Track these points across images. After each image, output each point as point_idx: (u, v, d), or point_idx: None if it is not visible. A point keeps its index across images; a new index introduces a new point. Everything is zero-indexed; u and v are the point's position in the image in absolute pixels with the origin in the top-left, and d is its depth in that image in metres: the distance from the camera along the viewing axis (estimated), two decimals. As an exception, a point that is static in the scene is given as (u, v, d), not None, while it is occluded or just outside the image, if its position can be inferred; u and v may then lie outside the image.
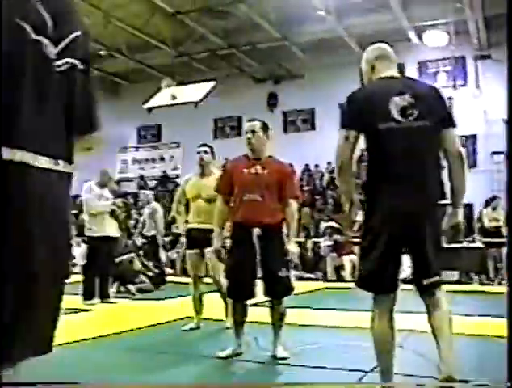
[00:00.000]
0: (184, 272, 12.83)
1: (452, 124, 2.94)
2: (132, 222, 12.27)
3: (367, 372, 3.58)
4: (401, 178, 2.82)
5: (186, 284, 8.13)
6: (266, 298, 4.20)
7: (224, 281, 4.88)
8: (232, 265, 4.23)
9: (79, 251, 13.86)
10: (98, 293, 7.36)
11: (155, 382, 3.54)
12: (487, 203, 13.01)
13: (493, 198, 12.63)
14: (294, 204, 4.19)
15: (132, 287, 9.03)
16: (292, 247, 4.14)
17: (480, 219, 12.68)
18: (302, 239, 13.22)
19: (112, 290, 8.95)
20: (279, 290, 4.12)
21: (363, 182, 2.97)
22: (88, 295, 7.24)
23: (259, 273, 4.06)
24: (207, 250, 5.03)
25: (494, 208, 12.04)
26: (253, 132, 4.25)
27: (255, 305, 4.57)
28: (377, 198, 2.86)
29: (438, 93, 2.97)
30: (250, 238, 4.07)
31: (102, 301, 7.30)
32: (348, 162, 2.85)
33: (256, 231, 4.07)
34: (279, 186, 4.13)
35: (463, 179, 2.95)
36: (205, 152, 5.42)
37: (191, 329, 5.27)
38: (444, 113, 2.93)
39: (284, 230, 4.18)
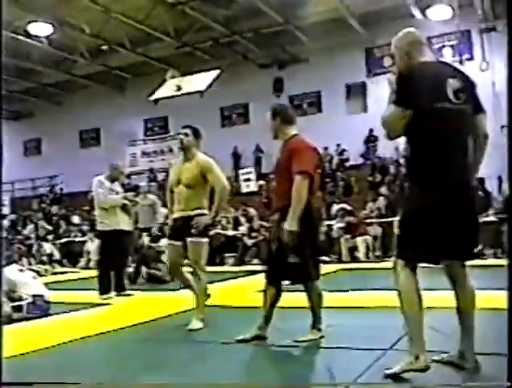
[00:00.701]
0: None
1: (484, 110, 3.15)
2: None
3: (386, 349, 3.58)
4: (451, 156, 2.95)
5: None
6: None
7: (203, 278, 4.92)
8: (267, 251, 4.39)
9: (93, 246, 13.99)
10: (113, 287, 7.39)
11: (172, 372, 3.56)
12: (500, 178, 12.94)
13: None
14: (297, 181, 3.90)
15: (144, 271, 9.14)
16: (286, 225, 3.89)
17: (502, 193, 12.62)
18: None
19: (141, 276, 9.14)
20: (289, 276, 4.07)
21: (408, 156, 3.13)
22: (104, 289, 7.27)
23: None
24: (189, 240, 4.87)
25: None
26: (269, 122, 4.28)
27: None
28: (428, 173, 2.93)
29: (471, 80, 3.12)
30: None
31: (119, 294, 7.34)
32: (397, 134, 3.01)
33: (275, 216, 4.13)
34: (288, 168, 4.00)
35: (482, 161, 3.18)
36: (185, 134, 4.98)
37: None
38: (477, 99, 3.11)
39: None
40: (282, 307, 4.39)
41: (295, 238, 3.88)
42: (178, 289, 6.93)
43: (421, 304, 2.97)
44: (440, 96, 2.93)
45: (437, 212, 2.89)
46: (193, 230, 4.84)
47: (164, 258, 8.62)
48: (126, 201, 7.48)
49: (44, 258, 15.02)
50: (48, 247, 15.61)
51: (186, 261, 5.06)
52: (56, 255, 15.57)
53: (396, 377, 2.91)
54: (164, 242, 5.21)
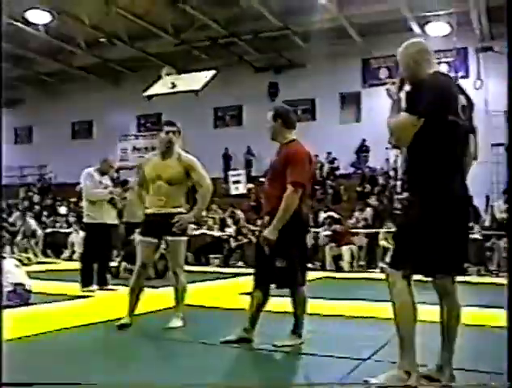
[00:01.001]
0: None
1: (475, 132, 3.18)
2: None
3: (365, 359, 3.60)
4: (457, 170, 3.00)
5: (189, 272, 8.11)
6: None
7: (183, 277, 4.87)
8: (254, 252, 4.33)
9: (78, 238, 13.94)
10: (96, 280, 7.36)
11: (143, 368, 3.55)
12: (487, 197, 13.06)
13: (506, 190, 12.59)
14: (288, 190, 3.89)
15: (123, 267, 9.10)
16: (266, 231, 3.89)
17: (489, 211, 12.73)
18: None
19: (121, 268, 9.06)
20: (274, 280, 4.06)
21: (412, 166, 3.08)
22: (86, 282, 7.25)
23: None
24: (170, 238, 4.81)
25: (506, 201, 12.01)
26: (268, 122, 4.25)
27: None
28: (435, 185, 2.93)
29: (471, 100, 3.13)
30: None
31: (101, 288, 7.31)
32: (405, 143, 2.98)
33: (265, 219, 4.08)
34: (282, 173, 3.99)
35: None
36: (173, 133, 4.91)
37: (122, 325, 4.69)
38: (472, 119, 3.13)
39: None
40: (265, 311, 4.41)
41: (283, 247, 3.89)
42: (160, 287, 6.93)
43: (416, 317, 2.95)
44: (453, 110, 2.94)
45: (440, 225, 2.89)
46: (175, 229, 4.78)
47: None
48: (113, 195, 7.45)
49: (26, 243, 14.89)
50: (33, 223, 15.48)
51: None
52: (39, 233, 15.42)
53: None
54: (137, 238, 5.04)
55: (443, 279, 3.06)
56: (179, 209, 4.87)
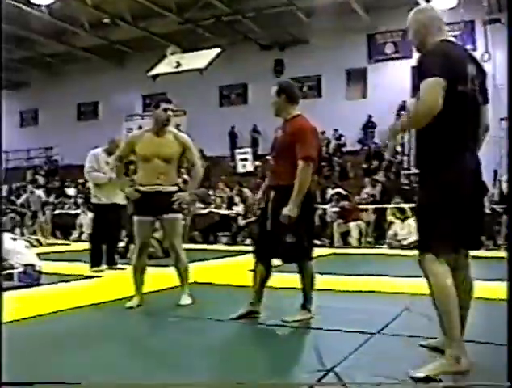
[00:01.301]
0: (191, 240, 12.93)
1: (489, 102, 3.07)
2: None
3: (374, 333, 3.61)
4: (472, 142, 2.91)
5: (191, 250, 8.25)
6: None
7: (183, 255, 4.89)
8: (255, 227, 4.32)
9: (86, 220, 14.00)
10: (105, 260, 7.41)
11: (157, 345, 3.59)
12: (495, 171, 13.02)
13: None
14: (302, 166, 3.91)
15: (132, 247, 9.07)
16: (286, 209, 3.89)
17: (497, 185, 12.71)
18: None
19: (130, 253, 9.04)
20: (283, 255, 4.07)
21: (422, 142, 2.94)
22: (96, 262, 7.30)
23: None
24: (168, 216, 4.80)
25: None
26: (271, 98, 4.24)
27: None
28: (454, 160, 2.82)
29: (483, 69, 3.04)
30: (268, 202, 4.12)
31: (110, 268, 7.36)
32: (440, 106, 2.70)
33: (272, 194, 4.10)
34: (290, 148, 3.99)
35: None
36: (172, 110, 4.90)
37: (131, 307, 4.73)
38: (485, 89, 3.04)
39: None
40: (273, 287, 4.43)
41: (293, 222, 3.89)
42: (169, 266, 6.96)
43: (457, 304, 2.81)
44: (463, 79, 2.82)
45: (464, 200, 2.81)
46: (175, 206, 4.79)
47: (156, 234, 8.54)
48: (112, 178, 7.32)
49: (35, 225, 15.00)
50: (40, 192, 15.54)
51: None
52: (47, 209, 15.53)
53: (428, 380, 2.70)
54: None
55: (457, 255, 2.97)
56: (175, 187, 4.89)
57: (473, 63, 2.95)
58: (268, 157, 4.24)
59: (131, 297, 4.86)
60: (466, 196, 2.83)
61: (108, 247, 7.46)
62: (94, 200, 7.49)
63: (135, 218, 4.86)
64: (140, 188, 4.82)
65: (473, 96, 2.89)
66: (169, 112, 4.86)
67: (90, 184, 7.60)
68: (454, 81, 2.77)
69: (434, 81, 2.71)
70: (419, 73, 2.82)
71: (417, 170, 3.07)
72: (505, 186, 12.09)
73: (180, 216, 4.96)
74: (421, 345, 3.22)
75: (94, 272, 7.13)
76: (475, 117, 2.94)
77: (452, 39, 3.02)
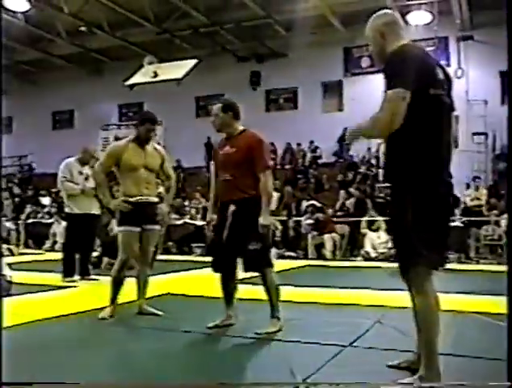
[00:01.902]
0: (166, 250, 12.85)
1: (454, 108, 2.93)
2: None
3: (345, 346, 3.63)
4: (447, 148, 2.78)
5: (169, 261, 8.20)
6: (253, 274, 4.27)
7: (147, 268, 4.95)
8: (211, 240, 4.49)
9: (59, 229, 13.86)
10: (78, 270, 7.33)
11: (132, 353, 3.56)
12: (468, 185, 13.24)
13: (475, 178, 12.83)
14: (265, 176, 4.11)
15: (106, 261, 9.01)
16: (262, 220, 4.03)
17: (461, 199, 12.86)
18: (284, 218, 13.29)
19: (103, 264, 8.96)
20: (249, 263, 4.16)
21: (394, 152, 2.83)
22: (68, 272, 7.22)
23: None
24: (150, 227, 4.85)
25: (476, 188, 12.23)
26: (215, 115, 4.33)
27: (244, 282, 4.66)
28: (431, 169, 2.72)
29: (448, 74, 2.91)
30: (226, 215, 4.20)
31: (83, 278, 7.29)
32: (400, 122, 2.60)
33: (231, 208, 4.17)
34: (248, 161, 4.13)
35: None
36: (154, 131, 4.96)
37: (104, 319, 4.68)
38: (451, 96, 2.90)
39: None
40: (247, 299, 4.45)
41: (269, 230, 4.14)
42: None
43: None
44: (433, 83, 2.70)
45: (442, 212, 2.73)
46: (158, 218, 4.88)
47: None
48: (85, 189, 7.26)
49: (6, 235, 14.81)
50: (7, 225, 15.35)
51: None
52: (13, 232, 15.35)
53: None
54: (117, 228, 4.94)
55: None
56: (157, 198, 4.99)
57: (440, 67, 2.83)
58: (222, 174, 4.28)
59: (103, 308, 4.82)
60: (439, 211, 2.73)
61: (82, 257, 7.39)
62: (67, 210, 7.43)
63: (122, 229, 4.80)
64: (130, 199, 4.79)
65: (445, 101, 2.77)
66: (151, 134, 4.91)
67: (63, 194, 7.52)
68: (424, 84, 2.65)
69: (395, 94, 2.59)
70: (385, 77, 2.70)
71: (388, 184, 2.94)
72: (468, 199, 12.32)
73: (159, 227, 5.00)
74: (390, 366, 3.10)
75: (66, 282, 7.06)
76: (449, 122, 2.81)
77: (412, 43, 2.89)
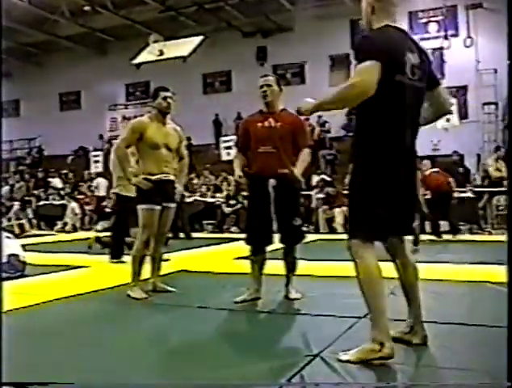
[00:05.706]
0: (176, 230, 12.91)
1: (440, 82, 3.08)
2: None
3: (360, 317, 3.65)
4: (403, 132, 2.83)
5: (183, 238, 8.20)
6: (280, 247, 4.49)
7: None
8: (250, 215, 4.53)
9: (69, 210, 14.01)
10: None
11: (148, 330, 3.60)
12: (479, 155, 13.11)
13: (497, 148, 12.60)
14: (305, 151, 4.41)
15: None
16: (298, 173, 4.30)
17: (480, 169, 12.81)
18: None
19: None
20: (293, 238, 4.43)
21: (357, 131, 2.95)
22: (116, 254, 7.06)
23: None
24: (168, 204, 4.86)
25: (497, 159, 12.03)
26: (268, 86, 4.39)
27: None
28: (383, 148, 2.80)
29: (428, 56, 2.98)
30: (266, 189, 4.31)
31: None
32: (372, 91, 2.64)
33: (271, 182, 4.30)
34: (292, 137, 4.34)
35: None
36: (171, 98, 4.86)
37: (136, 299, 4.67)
38: (432, 74, 3.01)
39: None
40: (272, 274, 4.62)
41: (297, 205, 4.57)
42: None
43: (385, 287, 2.85)
44: (400, 69, 2.74)
45: (390, 188, 2.82)
46: (176, 196, 4.94)
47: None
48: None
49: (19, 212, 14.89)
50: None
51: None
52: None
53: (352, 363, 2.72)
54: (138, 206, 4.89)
55: (390, 241, 3.03)
56: (174, 177, 4.98)
57: (415, 52, 2.85)
58: (263, 147, 4.33)
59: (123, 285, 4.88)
60: (396, 185, 2.83)
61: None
62: (117, 190, 7.04)
63: (143, 207, 4.76)
64: (151, 177, 4.77)
65: (412, 86, 2.80)
66: (169, 100, 4.84)
67: (114, 175, 7.05)
68: (391, 69, 2.70)
69: (370, 64, 2.64)
70: (356, 55, 2.75)
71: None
72: (491, 169, 12.11)
73: (175, 205, 5.02)
74: None
75: (114, 263, 6.96)
76: (413, 108, 2.87)
77: (398, 25, 2.90)
